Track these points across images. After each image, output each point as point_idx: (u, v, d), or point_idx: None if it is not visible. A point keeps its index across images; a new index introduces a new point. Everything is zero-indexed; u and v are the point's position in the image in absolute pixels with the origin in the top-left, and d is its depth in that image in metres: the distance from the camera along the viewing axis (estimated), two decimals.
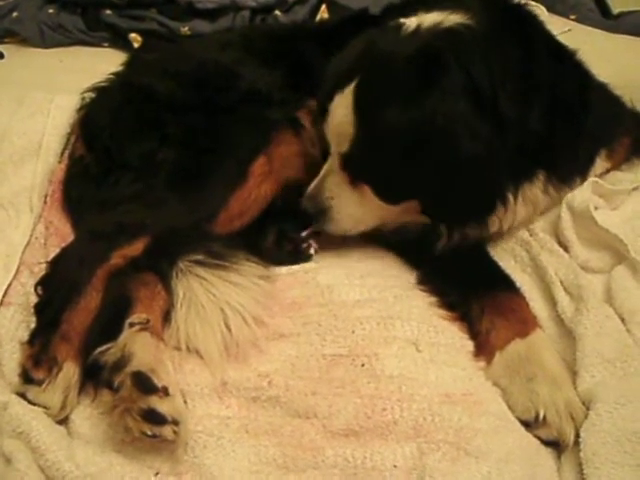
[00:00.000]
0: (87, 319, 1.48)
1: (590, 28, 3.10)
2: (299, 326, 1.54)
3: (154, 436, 1.29)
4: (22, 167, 1.98)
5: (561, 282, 1.61)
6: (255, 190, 1.75)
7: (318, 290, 1.63)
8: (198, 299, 1.52)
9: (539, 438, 1.39)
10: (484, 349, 1.51)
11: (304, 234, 1.80)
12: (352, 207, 1.69)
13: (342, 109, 1.59)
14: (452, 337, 1.53)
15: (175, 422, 1.30)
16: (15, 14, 3.10)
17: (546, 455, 1.37)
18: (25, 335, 1.51)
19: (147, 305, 1.51)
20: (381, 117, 1.53)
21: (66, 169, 1.95)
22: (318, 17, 3.03)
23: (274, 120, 1.82)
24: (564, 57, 1.75)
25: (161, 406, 1.30)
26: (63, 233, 1.81)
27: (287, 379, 1.43)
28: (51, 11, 3.10)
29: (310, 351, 1.48)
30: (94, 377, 1.41)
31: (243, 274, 1.58)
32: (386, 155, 1.56)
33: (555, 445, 1.38)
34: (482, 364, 1.50)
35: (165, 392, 1.33)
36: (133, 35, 2.99)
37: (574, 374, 1.44)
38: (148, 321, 1.46)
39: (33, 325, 1.51)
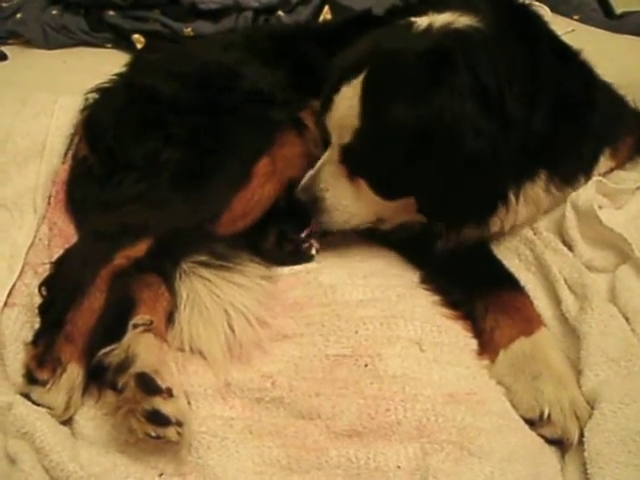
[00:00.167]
0: (91, 320, 1.49)
1: (593, 28, 3.09)
2: (302, 326, 1.54)
3: (158, 437, 1.29)
4: (26, 168, 1.98)
5: (565, 281, 1.61)
6: (258, 191, 1.75)
7: (321, 290, 1.63)
8: (201, 300, 1.52)
9: (543, 437, 1.39)
10: (488, 348, 1.51)
11: (304, 234, 1.80)
12: (347, 200, 1.68)
13: (348, 100, 1.59)
14: (456, 336, 1.53)
15: (179, 423, 1.30)
16: (19, 15, 3.11)
17: (550, 454, 1.37)
18: (29, 336, 1.51)
19: (151, 306, 1.51)
20: (388, 110, 1.53)
21: (69, 170, 1.96)
22: (321, 18, 3.03)
23: (277, 121, 1.82)
24: (569, 57, 1.75)
25: (165, 407, 1.30)
26: (67, 234, 1.81)
27: (290, 380, 1.43)
28: (54, 12, 3.10)
29: (313, 352, 1.48)
30: (98, 378, 1.41)
31: (246, 275, 1.59)
32: (388, 149, 1.56)
33: (559, 444, 1.38)
34: (486, 363, 1.50)
35: (169, 393, 1.33)
36: (136, 36, 3.00)
37: (578, 373, 1.44)
38: (152, 322, 1.46)
39: (37, 326, 1.51)
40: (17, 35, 3.10)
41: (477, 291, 1.60)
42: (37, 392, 1.40)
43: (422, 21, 1.62)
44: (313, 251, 1.78)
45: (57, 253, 1.65)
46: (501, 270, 1.68)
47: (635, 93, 1.96)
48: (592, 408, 1.37)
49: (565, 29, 2.54)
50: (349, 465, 1.31)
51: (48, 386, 1.40)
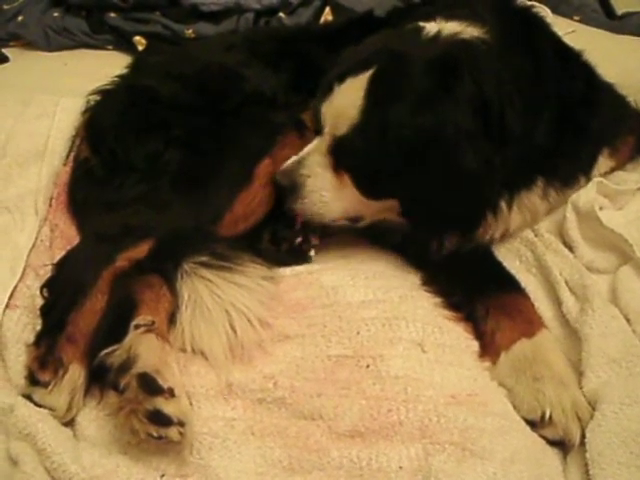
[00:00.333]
0: (93, 321, 1.49)
1: (594, 29, 3.09)
2: (304, 327, 1.54)
3: (160, 437, 1.29)
4: (27, 170, 1.98)
5: (566, 282, 1.61)
6: (260, 192, 1.75)
7: (323, 291, 1.63)
8: (203, 301, 1.52)
9: (545, 438, 1.39)
10: (489, 349, 1.51)
11: (296, 228, 1.78)
12: (327, 192, 1.66)
13: (352, 92, 1.58)
14: (457, 338, 1.53)
15: (181, 423, 1.30)
16: (20, 18, 3.11)
17: (552, 455, 1.37)
18: (31, 337, 1.51)
19: (152, 307, 1.52)
20: (390, 111, 1.53)
21: (71, 171, 1.96)
22: (322, 19, 3.03)
23: (279, 122, 1.82)
24: (571, 59, 1.76)
25: (167, 407, 1.31)
26: (68, 235, 1.81)
27: (292, 380, 1.43)
28: (56, 14, 3.10)
29: (315, 352, 1.48)
30: (100, 379, 1.42)
31: (248, 275, 1.59)
32: (382, 149, 1.55)
33: (561, 445, 1.38)
34: (487, 364, 1.50)
35: (171, 393, 1.33)
36: (137, 38, 2.99)
37: (580, 374, 1.44)
38: (153, 323, 1.46)
39: (39, 327, 1.51)
40: (18, 37, 3.10)
41: (478, 293, 1.60)
42: (39, 393, 1.40)
43: (431, 27, 1.62)
44: (312, 252, 1.78)
45: (59, 255, 1.66)
46: (502, 272, 1.68)
47: (636, 93, 1.96)
48: (593, 409, 1.38)
49: (566, 30, 2.53)
50: (351, 466, 1.31)
51: (50, 387, 1.40)
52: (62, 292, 1.53)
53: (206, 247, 1.60)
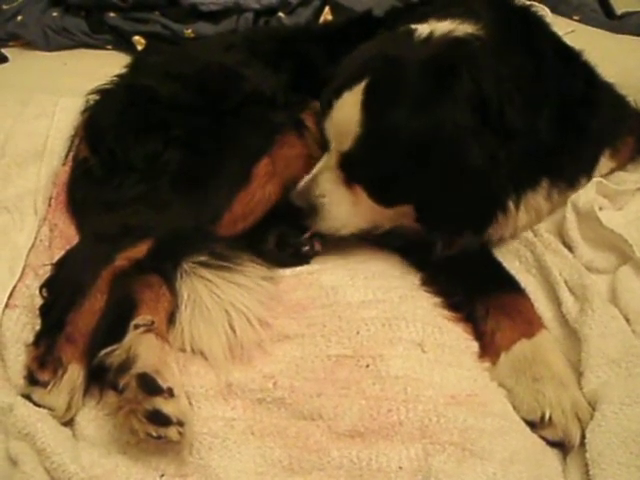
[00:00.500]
0: (92, 321, 1.48)
1: (594, 29, 3.09)
2: (304, 327, 1.54)
3: (159, 437, 1.29)
4: (26, 169, 1.98)
5: (566, 282, 1.61)
6: (259, 192, 1.75)
7: (322, 291, 1.63)
8: (202, 301, 1.52)
9: (545, 439, 1.39)
10: (489, 350, 1.51)
11: (306, 236, 1.79)
12: (343, 207, 1.67)
13: (349, 107, 1.58)
14: (457, 338, 1.53)
15: (180, 423, 1.30)
16: (19, 18, 3.11)
17: (552, 456, 1.37)
18: (30, 337, 1.51)
19: (152, 307, 1.51)
20: (389, 118, 1.53)
21: (70, 171, 1.95)
22: (321, 19, 3.03)
23: (278, 122, 1.82)
24: (571, 59, 1.76)
25: (166, 407, 1.30)
26: (67, 235, 1.81)
27: (292, 380, 1.43)
28: (55, 14, 3.10)
29: (315, 352, 1.48)
30: (99, 379, 1.42)
31: (247, 275, 1.59)
32: (388, 156, 1.55)
33: (561, 446, 1.38)
34: (487, 365, 1.50)
35: (170, 393, 1.33)
36: (137, 38, 2.99)
37: (579, 375, 1.44)
38: (153, 323, 1.46)
39: (38, 327, 1.51)
40: (18, 37, 3.10)
41: (478, 293, 1.60)
42: (38, 393, 1.40)
43: (423, 29, 1.62)
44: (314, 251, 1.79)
45: (58, 254, 1.65)
46: (502, 272, 1.68)
47: (636, 93, 1.96)
48: (593, 409, 1.37)
49: (565, 30, 2.53)
50: (351, 466, 1.31)
51: (49, 387, 1.40)
52: (61, 292, 1.53)
53: (205, 247, 1.60)
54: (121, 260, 1.56)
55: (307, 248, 1.79)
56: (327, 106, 1.64)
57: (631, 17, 3.19)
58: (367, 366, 1.44)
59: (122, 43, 3.04)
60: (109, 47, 3.08)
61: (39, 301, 1.55)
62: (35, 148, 2.03)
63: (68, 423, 1.41)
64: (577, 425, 1.36)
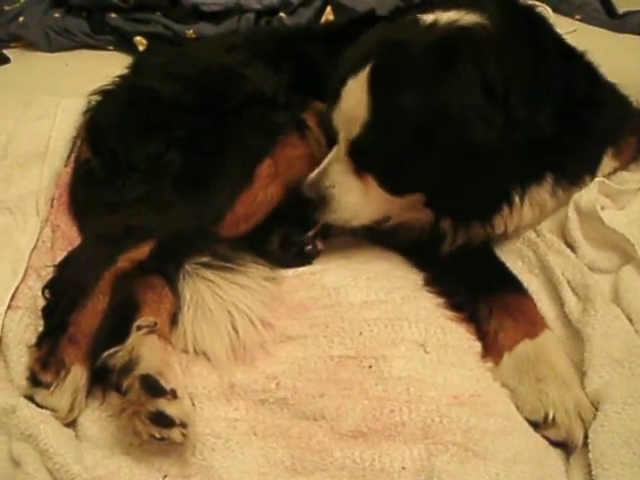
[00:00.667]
0: (94, 322, 1.48)
1: (595, 28, 3.09)
2: (306, 328, 1.54)
3: (162, 439, 1.29)
4: (28, 170, 1.99)
5: (568, 282, 1.60)
6: (261, 193, 1.75)
7: (325, 292, 1.63)
8: (205, 301, 1.52)
9: (548, 439, 1.38)
10: (492, 350, 1.51)
11: (310, 234, 1.79)
12: (354, 197, 1.66)
13: (355, 93, 1.57)
14: (460, 338, 1.53)
15: (183, 424, 1.30)
16: (21, 19, 3.12)
17: (554, 456, 1.37)
18: (33, 338, 1.51)
19: (154, 308, 1.52)
20: (396, 101, 1.52)
21: (72, 172, 1.96)
22: (323, 19, 3.03)
23: (280, 122, 1.82)
24: (574, 58, 1.75)
25: (169, 408, 1.30)
26: (70, 236, 1.81)
27: (295, 381, 1.43)
28: (57, 15, 3.10)
29: (317, 353, 1.48)
30: (102, 380, 1.42)
31: (250, 276, 1.59)
32: (397, 140, 1.54)
33: (564, 446, 1.38)
34: (490, 365, 1.50)
35: (173, 395, 1.33)
36: (138, 38, 3.00)
37: (582, 375, 1.44)
38: (155, 324, 1.46)
39: (41, 328, 1.51)
40: (19, 38, 3.10)
41: (481, 294, 1.60)
42: (41, 394, 1.40)
43: (428, 17, 1.61)
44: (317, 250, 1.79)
45: (60, 256, 1.65)
46: (504, 272, 1.68)
47: (638, 93, 1.95)
48: (596, 410, 1.37)
49: (567, 29, 2.53)
50: (354, 466, 1.31)
51: (52, 388, 1.40)
52: (64, 293, 1.52)
53: (208, 248, 1.60)
54: (123, 261, 1.56)
55: (310, 247, 1.79)
56: (334, 96, 1.63)
57: (633, 16, 3.20)
58: (370, 367, 1.44)
59: (123, 44, 3.05)
60: (111, 48, 3.09)
61: (41, 302, 1.55)
62: (37, 149, 2.03)
63: (71, 424, 1.41)
64: (580, 425, 1.36)
